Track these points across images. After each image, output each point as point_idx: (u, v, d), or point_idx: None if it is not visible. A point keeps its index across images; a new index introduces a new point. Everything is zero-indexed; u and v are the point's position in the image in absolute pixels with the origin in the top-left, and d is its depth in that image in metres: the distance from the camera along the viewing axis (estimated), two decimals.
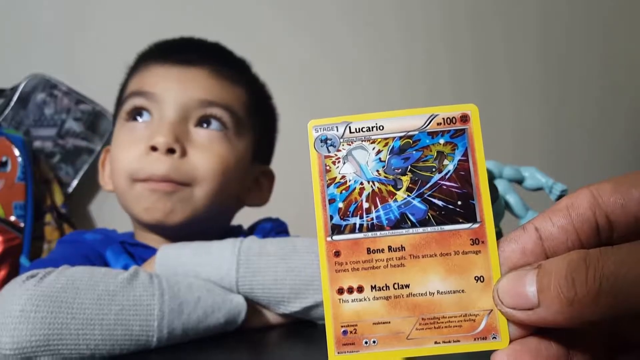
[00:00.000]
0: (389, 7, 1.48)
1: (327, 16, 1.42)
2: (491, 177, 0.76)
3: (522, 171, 0.77)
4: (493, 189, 0.74)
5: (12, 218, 1.01)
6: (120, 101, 0.80)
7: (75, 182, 1.16)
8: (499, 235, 0.79)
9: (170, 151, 0.70)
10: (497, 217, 0.75)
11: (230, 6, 1.32)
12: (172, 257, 0.63)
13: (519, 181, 0.77)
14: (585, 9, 1.64)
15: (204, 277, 0.61)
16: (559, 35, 1.63)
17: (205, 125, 0.74)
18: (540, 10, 1.61)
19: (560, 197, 0.73)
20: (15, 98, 1.12)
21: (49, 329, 0.51)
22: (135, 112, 0.75)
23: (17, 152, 1.03)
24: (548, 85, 1.63)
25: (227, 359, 0.57)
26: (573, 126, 1.65)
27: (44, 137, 1.13)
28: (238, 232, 0.81)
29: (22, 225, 1.01)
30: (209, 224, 0.75)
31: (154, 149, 0.70)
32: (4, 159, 1.02)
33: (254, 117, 0.80)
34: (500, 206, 0.75)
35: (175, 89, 0.74)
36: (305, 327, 0.63)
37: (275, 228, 0.81)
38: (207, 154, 0.72)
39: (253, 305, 0.63)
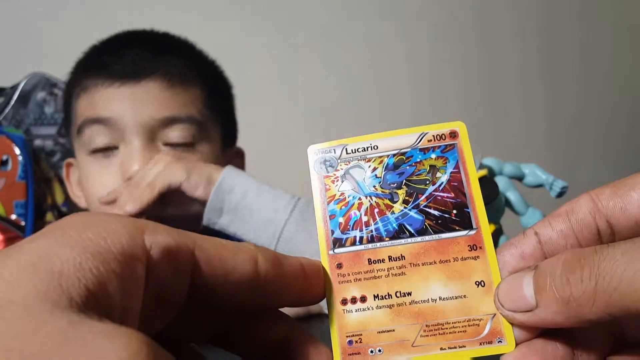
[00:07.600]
0: (392, 21, 1.48)
1: (328, 35, 1.42)
2: (492, 174, 0.76)
3: (522, 168, 0.76)
4: (493, 186, 0.74)
5: (13, 217, 1.01)
6: (69, 121, 0.79)
7: None
8: (499, 232, 0.79)
9: None
10: (497, 214, 0.75)
11: (228, 21, 1.32)
12: (235, 175, 0.67)
13: (520, 178, 0.77)
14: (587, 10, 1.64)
15: (260, 204, 0.63)
16: (560, 35, 1.63)
17: (172, 145, 0.73)
18: (544, 10, 1.61)
19: (561, 193, 0.73)
20: (15, 97, 1.11)
21: None
22: (102, 151, 0.73)
23: (17, 151, 1.02)
24: (550, 84, 1.63)
25: (229, 358, 0.57)
26: (576, 125, 1.65)
27: (44, 135, 1.13)
28: None
29: (23, 223, 1.01)
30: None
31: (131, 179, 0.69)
32: (4, 157, 1.02)
33: (215, 107, 0.78)
34: (500, 203, 0.75)
35: (132, 111, 0.71)
36: (312, 323, 0.64)
37: None
38: None
39: None
